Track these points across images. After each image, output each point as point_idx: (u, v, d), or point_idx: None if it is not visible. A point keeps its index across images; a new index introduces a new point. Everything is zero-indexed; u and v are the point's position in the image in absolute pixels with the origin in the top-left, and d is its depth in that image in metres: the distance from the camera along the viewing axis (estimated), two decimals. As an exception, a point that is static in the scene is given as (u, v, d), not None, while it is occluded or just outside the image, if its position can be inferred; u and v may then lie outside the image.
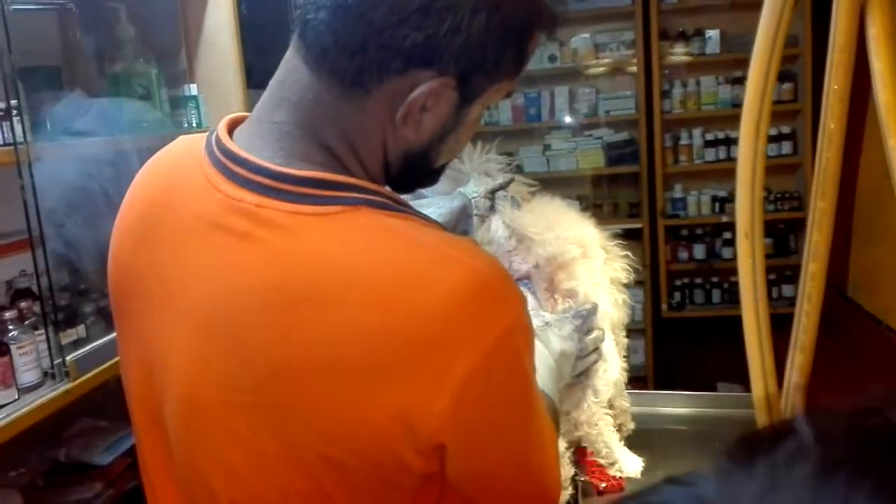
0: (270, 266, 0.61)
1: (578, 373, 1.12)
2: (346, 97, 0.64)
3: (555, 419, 0.91)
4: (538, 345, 0.98)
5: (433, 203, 1.17)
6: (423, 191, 1.29)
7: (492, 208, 1.22)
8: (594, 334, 1.12)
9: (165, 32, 1.91)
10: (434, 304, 0.59)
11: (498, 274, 0.63)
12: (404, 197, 1.23)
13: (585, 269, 1.22)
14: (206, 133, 0.71)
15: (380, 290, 0.59)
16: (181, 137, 0.76)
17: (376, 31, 0.60)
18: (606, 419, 1.25)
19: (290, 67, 0.66)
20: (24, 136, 1.30)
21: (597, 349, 1.14)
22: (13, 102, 1.29)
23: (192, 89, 1.98)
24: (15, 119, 1.29)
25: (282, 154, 0.65)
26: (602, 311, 1.17)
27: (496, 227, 1.19)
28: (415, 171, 0.70)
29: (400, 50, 0.61)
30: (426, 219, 0.67)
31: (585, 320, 1.10)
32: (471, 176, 1.27)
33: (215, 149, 0.67)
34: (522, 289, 1.11)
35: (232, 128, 0.70)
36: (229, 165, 0.65)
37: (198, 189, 0.67)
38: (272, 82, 0.68)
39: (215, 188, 0.65)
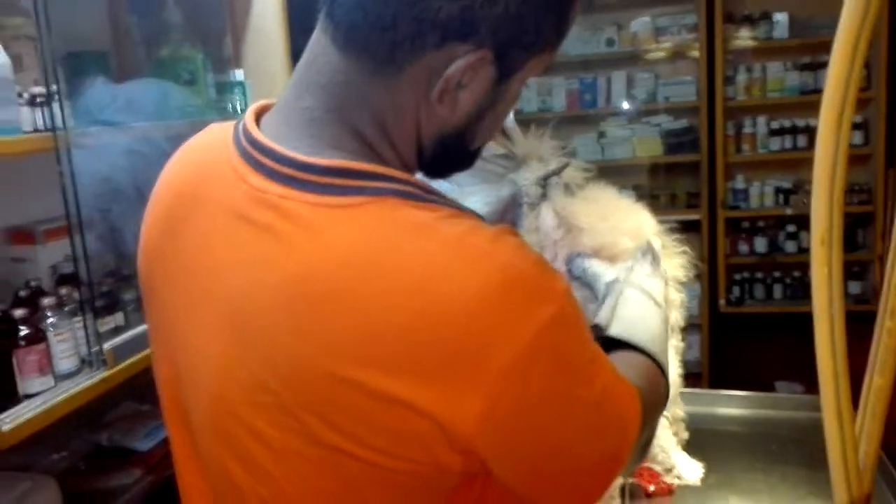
0: (292, 261, 0.59)
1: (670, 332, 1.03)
2: (379, 77, 0.61)
3: (656, 381, 0.80)
4: (633, 293, 0.90)
5: (480, 191, 1.12)
6: (472, 178, 1.23)
7: (544, 196, 1.15)
8: (662, 272, 1.01)
9: (212, 17, 1.90)
10: (461, 300, 0.55)
11: (534, 265, 0.59)
12: (453, 186, 1.21)
13: None
14: (236, 121, 0.69)
15: (404, 286, 0.56)
16: (212, 125, 0.74)
17: (408, 4, 0.57)
18: (662, 422, 1.17)
19: (319, 49, 0.63)
20: (63, 122, 1.29)
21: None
22: (53, 88, 1.27)
23: (239, 75, 1.96)
24: (55, 105, 1.27)
25: (310, 142, 0.62)
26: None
27: (545, 214, 1.11)
28: (450, 153, 0.67)
29: (434, 23, 0.57)
30: (460, 208, 0.63)
31: (654, 254, 0.99)
32: (522, 161, 1.20)
33: (242, 138, 0.65)
34: (580, 259, 1.03)
35: (260, 115, 0.68)
36: (255, 155, 0.63)
37: (225, 180, 0.65)
38: (299, 65, 0.65)
39: (242, 179, 0.63)
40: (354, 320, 0.56)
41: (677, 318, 1.16)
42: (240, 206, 0.62)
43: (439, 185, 1.17)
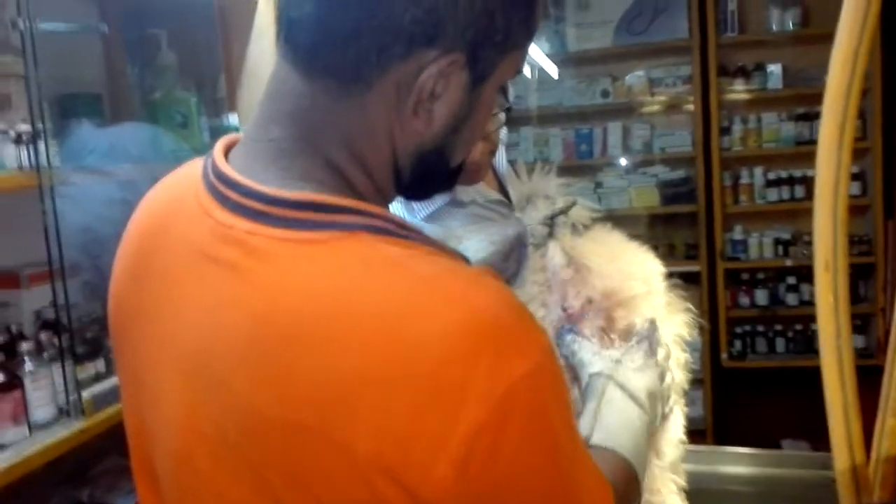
0: (256, 301, 0.54)
1: (669, 410, 0.99)
2: (347, 97, 0.57)
3: (631, 487, 0.79)
4: (616, 393, 0.87)
5: (486, 230, 1.08)
6: (467, 224, 1.19)
7: (550, 235, 1.10)
8: (662, 352, 0.99)
9: (206, 60, 1.89)
10: (429, 346, 0.50)
11: (513, 312, 0.54)
12: (459, 224, 1.17)
13: (649, 307, 1.09)
14: (206, 155, 0.66)
15: (369, 329, 0.51)
16: (187, 163, 0.70)
17: (370, 13, 0.54)
18: (671, 485, 1.09)
19: (281, 77, 0.60)
20: (48, 161, 1.25)
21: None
22: (39, 126, 1.24)
23: (233, 119, 1.94)
24: (41, 143, 1.24)
25: (279, 174, 0.58)
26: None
27: (553, 252, 1.07)
28: (430, 172, 0.63)
29: (399, 29, 0.54)
30: (439, 246, 0.59)
31: (651, 341, 0.97)
32: (527, 199, 1.16)
33: (210, 172, 0.62)
34: (574, 336, 0.99)
35: (230, 148, 0.64)
36: (222, 189, 0.59)
37: (191, 216, 0.61)
38: (263, 96, 0.62)
39: (207, 214, 0.59)
40: (315, 365, 0.51)
41: (682, 379, 1.10)
42: (205, 243, 0.59)
43: (433, 230, 1.14)
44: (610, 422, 0.84)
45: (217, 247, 0.57)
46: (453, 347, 0.50)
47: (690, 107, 3.60)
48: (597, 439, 0.82)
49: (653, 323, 1.00)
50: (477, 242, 1.05)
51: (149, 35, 1.82)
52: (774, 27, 3.49)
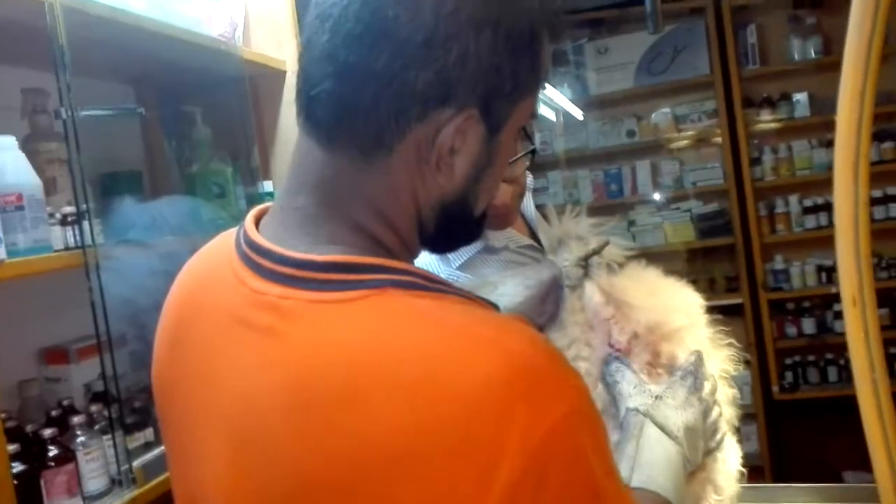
0: (292, 362, 0.56)
1: (716, 444, 0.97)
2: (369, 164, 0.60)
3: None
4: (653, 431, 0.87)
5: (521, 275, 1.08)
6: (511, 261, 1.21)
7: (586, 276, 1.11)
8: (708, 386, 0.97)
9: (239, 132, 1.95)
10: (462, 396, 0.50)
11: (546, 355, 0.54)
12: (493, 271, 1.18)
13: (693, 339, 1.08)
14: (238, 226, 0.68)
15: (405, 384, 0.52)
16: (220, 234, 0.73)
17: (385, 83, 0.56)
18: None
19: (304, 151, 0.63)
20: (92, 239, 1.30)
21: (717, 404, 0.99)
22: (83, 207, 1.30)
23: (268, 186, 2.00)
24: (85, 223, 1.30)
25: (307, 240, 0.60)
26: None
27: (591, 292, 1.06)
28: (453, 223, 0.65)
29: (413, 94, 0.57)
30: (468, 296, 0.60)
31: (696, 375, 0.96)
32: (559, 241, 1.17)
33: (242, 242, 0.64)
34: (620, 366, 0.98)
35: (260, 218, 0.67)
36: (254, 258, 0.62)
37: (226, 285, 0.63)
38: (289, 170, 0.65)
39: (242, 283, 0.61)
40: (353, 424, 0.52)
41: (731, 415, 1.08)
42: (240, 310, 0.60)
43: (467, 279, 1.15)
44: (649, 462, 0.84)
45: (252, 313, 0.59)
46: (489, 395, 0.50)
47: (718, 140, 3.60)
48: (636, 482, 0.81)
49: (699, 356, 0.99)
50: (512, 287, 1.05)
51: (184, 112, 1.90)
52: (796, 56, 3.49)
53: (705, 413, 0.95)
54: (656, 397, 0.93)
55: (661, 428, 0.88)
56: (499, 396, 0.50)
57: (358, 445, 0.52)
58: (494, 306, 0.62)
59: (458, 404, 0.50)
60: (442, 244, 0.69)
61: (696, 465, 0.93)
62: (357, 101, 0.57)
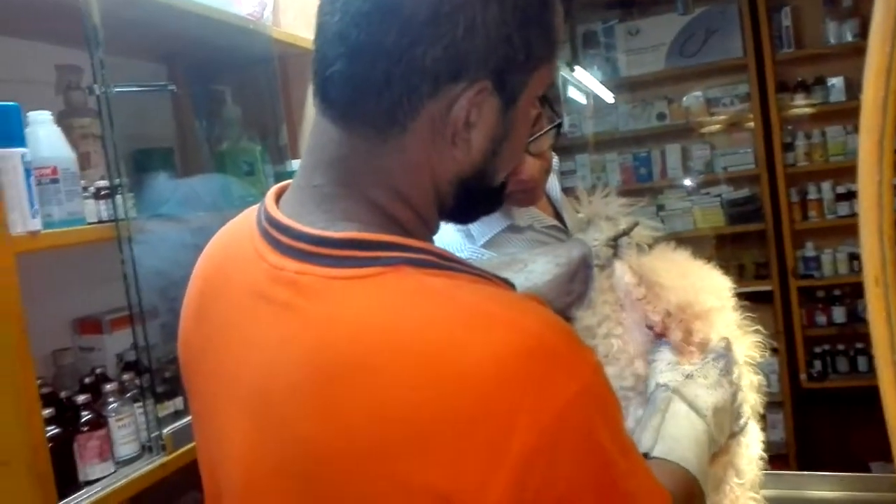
0: (307, 337, 0.57)
1: (739, 428, 0.98)
2: (384, 141, 0.60)
3: (694, 500, 0.79)
4: (681, 407, 0.87)
5: (550, 252, 1.08)
6: (536, 240, 1.21)
7: (615, 256, 1.09)
8: (736, 371, 0.98)
9: (268, 111, 1.98)
10: (476, 371, 0.51)
11: (559, 334, 0.54)
12: (520, 249, 1.19)
13: (723, 322, 1.08)
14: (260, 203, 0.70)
15: (416, 361, 0.53)
16: (243, 212, 0.75)
17: (395, 61, 0.57)
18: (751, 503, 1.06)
19: (320, 131, 0.63)
20: (125, 213, 1.34)
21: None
22: (116, 182, 1.33)
23: (295, 164, 2.02)
24: (118, 197, 1.33)
25: (324, 217, 0.61)
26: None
27: (621, 272, 1.06)
28: (473, 195, 0.65)
29: (424, 71, 0.57)
30: (482, 275, 0.60)
31: (728, 358, 0.96)
32: (588, 221, 1.17)
33: (263, 218, 0.65)
34: (661, 346, 0.99)
35: (280, 196, 0.68)
36: (274, 234, 0.63)
37: (247, 261, 0.64)
38: (306, 148, 0.66)
39: (262, 258, 0.63)
40: (366, 397, 0.53)
41: (756, 401, 1.08)
42: (260, 285, 0.62)
43: (495, 257, 1.16)
44: (674, 435, 0.84)
45: (271, 288, 0.60)
46: (501, 373, 0.51)
47: (751, 124, 3.54)
48: (658, 452, 0.81)
49: (728, 341, 0.99)
50: (542, 265, 1.05)
51: (214, 90, 1.93)
52: (832, 40, 3.42)
53: (734, 396, 0.95)
54: (687, 376, 0.93)
55: (690, 405, 0.89)
56: (510, 375, 0.51)
57: (370, 418, 0.53)
58: (511, 285, 0.62)
59: (469, 382, 0.51)
60: (462, 216, 0.69)
61: (720, 446, 0.93)
62: (369, 80, 0.58)
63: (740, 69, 3.53)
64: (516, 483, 0.50)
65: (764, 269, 3.58)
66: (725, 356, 0.97)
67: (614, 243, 1.09)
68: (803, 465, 3.23)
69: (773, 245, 3.49)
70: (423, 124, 0.59)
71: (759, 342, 1.10)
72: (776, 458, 3.24)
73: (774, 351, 3.32)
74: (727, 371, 0.95)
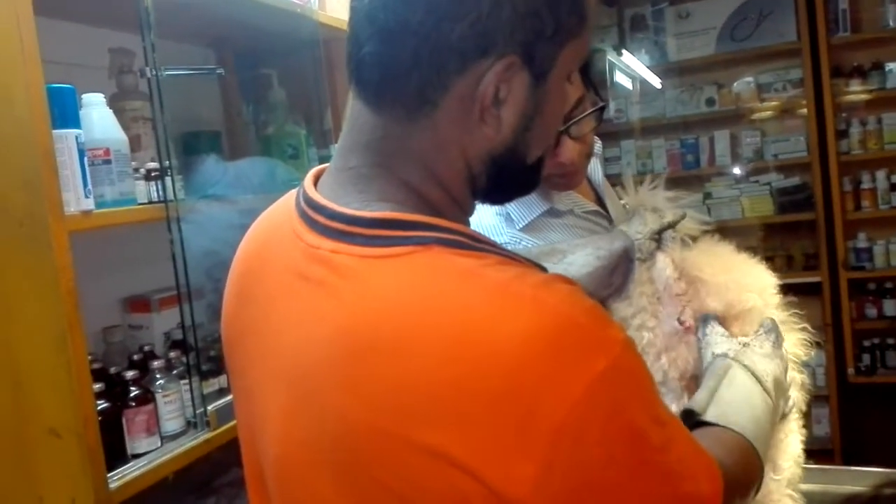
0: (341, 314, 0.58)
1: (788, 409, 0.97)
2: (415, 121, 0.61)
3: (750, 465, 0.76)
4: (740, 373, 0.86)
5: (591, 244, 1.06)
6: (563, 236, 1.20)
7: (658, 249, 1.08)
8: (784, 350, 0.96)
9: (313, 95, 1.99)
10: (505, 349, 0.52)
11: (587, 312, 0.55)
12: (560, 236, 1.17)
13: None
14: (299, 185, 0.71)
15: (446, 335, 0.54)
16: (284, 195, 0.76)
17: (422, 39, 0.57)
18: (788, 501, 1.04)
19: (355, 113, 0.65)
20: (174, 194, 1.37)
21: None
22: (166, 163, 1.36)
23: (339, 148, 2.04)
24: (168, 179, 1.36)
25: (359, 198, 0.63)
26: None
27: (663, 265, 1.05)
28: (506, 173, 0.65)
29: (451, 48, 0.57)
30: (511, 256, 0.61)
31: (777, 332, 0.95)
32: (633, 212, 1.15)
33: (301, 200, 0.67)
34: (711, 322, 0.98)
35: (318, 178, 0.70)
36: (311, 214, 0.64)
37: (286, 241, 0.66)
38: (343, 131, 0.67)
39: (299, 238, 0.64)
40: (396, 372, 0.54)
41: (799, 400, 1.06)
42: (298, 264, 0.63)
43: (535, 245, 1.15)
44: (730, 400, 0.82)
45: (307, 266, 0.62)
46: (528, 350, 0.52)
47: (803, 111, 3.45)
48: (711, 416, 0.80)
49: (774, 320, 0.98)
50: (582, 257, 1.04)
51: (261, 75, 1.95)
52: (891, 23, 3.30)
53: (785, 372, 0.93)
54: (744, 345, 0.92)
55: (749, 371, 0.87)
56: (537, 352, 0.52)
57: (398, 392, 0.54)
58: (542, 269, 0.63)
59: (498, 360, 0.52)
60: (497, 196, 0.69)
61: (781, 415, 0.90)
62: (398, 60, 0.59)
63: (794, 53, 3.43)
64: (543, 461, 0.51)
65: (813, 260, 3.50)
66: (775, 330, 0.96)
67: (658, 236, 1.07)
68: (848, 461, 3.16)
69: (824, 235, 3.41)
70: (453, 102, 0.60)
71: (805, 339, 1.08)
72: (821, 453, 3.18)
73: (821, 344, 3.25)
74: (778, 345, 0.94)
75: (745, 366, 0.88)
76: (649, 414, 0.56)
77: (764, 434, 0.81)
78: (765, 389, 0.86)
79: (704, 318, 1.00)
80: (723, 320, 1.01)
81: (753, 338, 0.94)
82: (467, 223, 0.66)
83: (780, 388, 0.89)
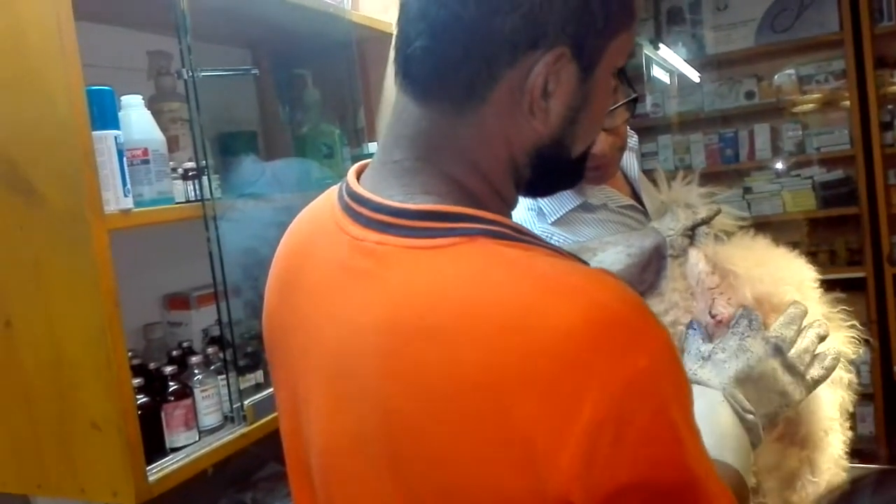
0: (386, 304, 0.59)
1: (819, 374, 0.90)
2: (461, 115, 0.61)
3: (743, 494, 0.77)
4: (702, 402, 0.83)
5: (622, 241, 1.06)
6: (598, 231, 1.19)
7: (690, 244, 1.06)
8: (813, 331, 0.91)
9: (347, 94, 2.01)
10: (548, 340, 0.52)
11: (633, 309, 0.54)
12: (593, 233, 1.17)
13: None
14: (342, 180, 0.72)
15: (492, 325, 0.54)
16: (325, 192, 0.77)
17: (474, 33, 0.58)
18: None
19: (400, 108, 0.65)
20: (211, 193, 1.39)
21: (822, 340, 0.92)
22: (203, 163, 1.39)
23: (372, 147, 2.05)
24: (205, 178, 1.39)
25: (403, 191, 0.63)
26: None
27: (695, 260, 1.04)
28: (551, 166, 0.65)
29: (503, 40, 0.58)
30: (556, 250, 0.61)
31: (750, 317, 0.91)
32: (666, 208, 1.13)
33: (344, 194, 0.68)
34: (692, 333, 0.96)
35: (361, 173, 0.71)
36: (355, 207, 0.65)
37: (329, 234, 0.67)
38: (387, 125, 0.68)
39: (343, 231, 0.65)
40: (441, 361, 0.55)
41: (846, 399, 1.03)
42: (342, 257, 0.64)
43: (566, 241, 1.14)
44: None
45: (352, 258, 0.63)
46: (574, 342, 0.52)
47: (846, 103, 3.37)
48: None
49: (746, 307, 0.95)
50: (613, 255, 1.04)
51: (296, 75, 1.97)
52: (939, 11, 3.21)
53: (776, 349, 0.89)
54: (703, 358, 0.90)
55: (702, 393, 0.85)
56: (584, 344, 0.52)
57: (445, 380, 0.54)
58: (582, 261, 0.63)
59: (542, 351, 0.52)
60: (541, 189, 0.70)
61: (786, 404, 0.88)
62: (449, 54, 0.59)
63: (836, 44, 3.35)
64: (586, 450, 0.51)
65: (857, 256, 3.41)
66: (747, 315, 0.92)
67: (691, 233, 1.06)
68: (894, 461, 3.08)
69: (868, 230, 3.32)
70: (502, 95, 0.60)
71: (853, 337, 1.04)
72: (864, 454, 3.11)
73: (866, 342, 3.16)
74: (752, 329, 0.90)
75: (702, 383, 0.86)
76: (685, 417, 0.55)
77: (730, 440, 0.80)
78: (725, 396, 0.84)
79: (689, 326, 0.97)
80: (760, 312, 0.98)
81: (719, 341, 0.91)
82: (510, 216, 0.67)
83: (747, 381, 0.86)
